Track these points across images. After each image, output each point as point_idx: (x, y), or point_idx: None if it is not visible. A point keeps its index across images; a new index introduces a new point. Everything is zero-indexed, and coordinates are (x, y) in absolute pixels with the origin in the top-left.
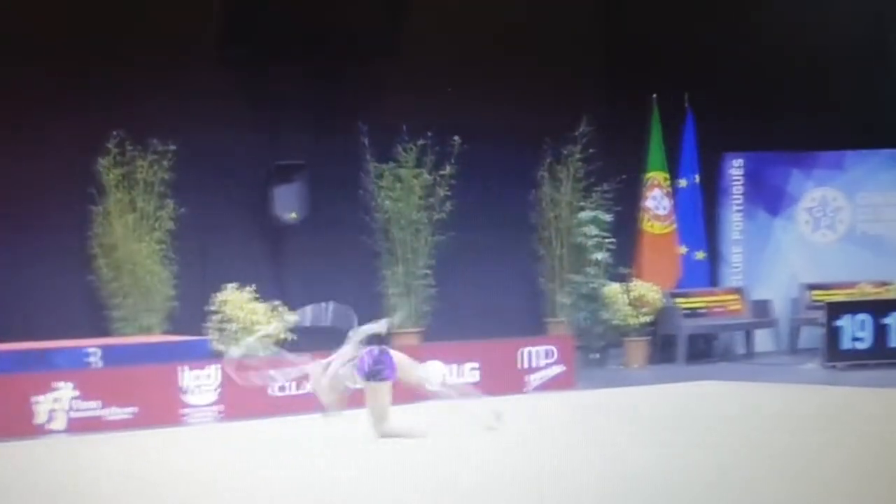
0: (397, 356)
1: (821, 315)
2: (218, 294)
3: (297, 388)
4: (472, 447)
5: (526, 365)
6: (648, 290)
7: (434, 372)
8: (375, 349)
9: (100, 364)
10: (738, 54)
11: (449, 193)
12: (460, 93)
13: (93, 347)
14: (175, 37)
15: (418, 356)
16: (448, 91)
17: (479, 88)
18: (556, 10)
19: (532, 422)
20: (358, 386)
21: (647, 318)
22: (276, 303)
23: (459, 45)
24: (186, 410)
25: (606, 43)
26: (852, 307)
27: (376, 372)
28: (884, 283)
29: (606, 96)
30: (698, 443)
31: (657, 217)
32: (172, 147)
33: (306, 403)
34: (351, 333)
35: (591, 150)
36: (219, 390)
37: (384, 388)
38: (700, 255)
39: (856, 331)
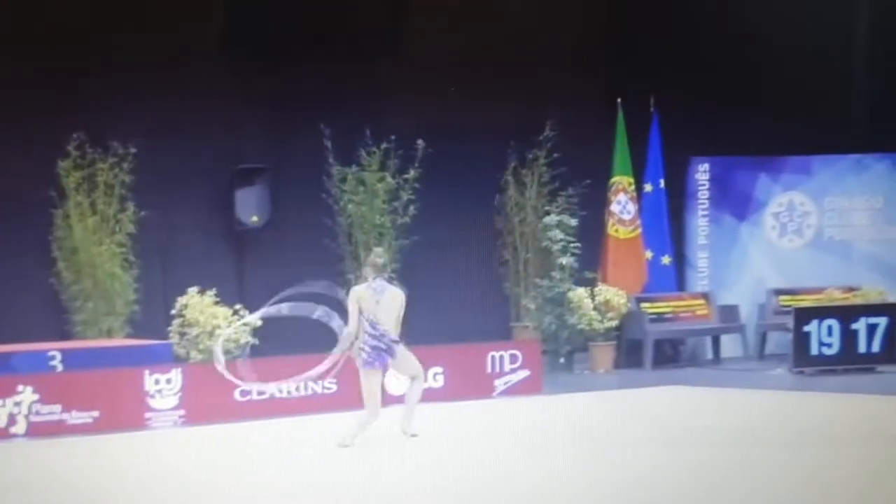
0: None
1: (788, 320)
2: (180, 298)
3: (259, 393)
4: (436, 452)
5: (492, 370)
6: (614, 295)
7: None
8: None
9: (61, 368)
10: (704, 58)
11: (413, 197)
12: (424, 97)
13: (54, 351)
14: (136, 40)
15: None
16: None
17: (443, 92)
18: (522, 15)
19: (498, 426)
20: None
21: (614, 323)
22: (238, 306)
23: (423, 49)
24: (149, 415)
25: (571, 47)
26: (820, 313)
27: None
28: (852, 289)
29: (572, 100)
30: (665, 447)
31: (623, 222)
32: (133, 150)
33: (268, 408)
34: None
35: (556, 155)
36: (180, 394)
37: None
38: (666, 259)
39: (824, 336)
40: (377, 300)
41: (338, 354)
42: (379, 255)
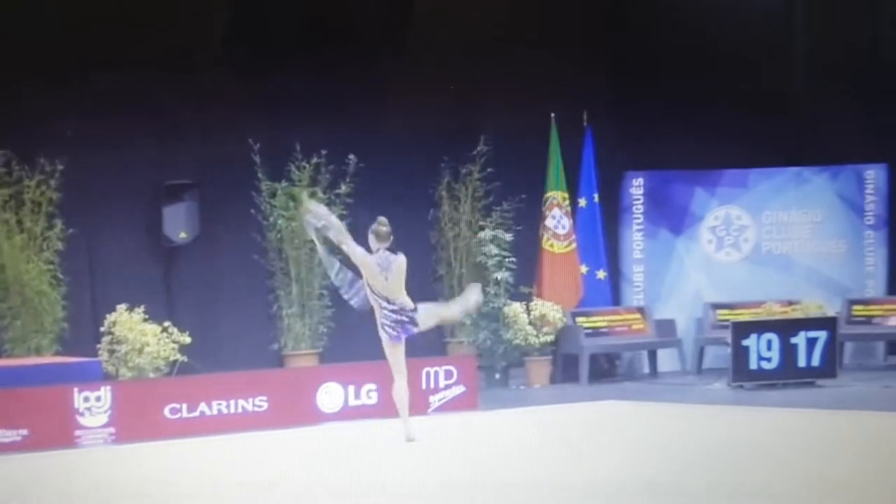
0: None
1: (726, 335)
2: (109, 315)
3: (189, 410)
4: (372, 468)
5: (427, 386)
6: (550, 310)
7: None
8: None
9: None
10: (638, 72)
11: (345, 212)
12: (356, 111)
13: None
14: (61, 56)
15: (315, 378)
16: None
17: (375, 106)
18: (454, 28)
19: (434, 443)
20: None
21: (549, 338)
22: (167, 323)
23: (353, 63)
24: (79, 432)
25: (504, 61)
26: (759, 327)
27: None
28: (791, 303)
29: (505, 115)
30: (602, 462)
31: (557, 236)
32: (60, 167)
33: (199, 425)
34: None
35: (490, 170)
36: (110, 412)
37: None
38: (601, 274)
39: (763, 350)
40: (385, 276)
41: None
42: (383, 223)
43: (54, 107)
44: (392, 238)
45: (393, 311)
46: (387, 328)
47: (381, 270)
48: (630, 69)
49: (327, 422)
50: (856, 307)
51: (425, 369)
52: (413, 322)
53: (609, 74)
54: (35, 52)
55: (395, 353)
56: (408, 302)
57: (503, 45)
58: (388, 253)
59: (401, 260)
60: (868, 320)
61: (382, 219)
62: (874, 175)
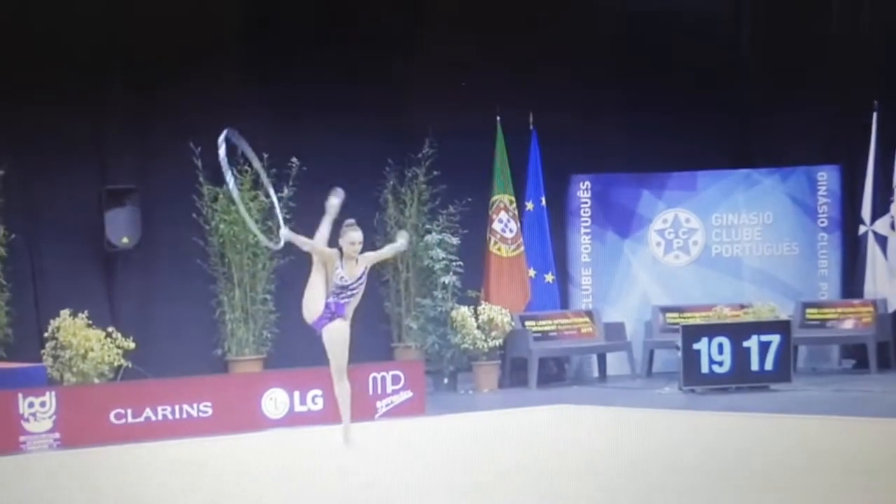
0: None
1: (676, 338)
2: (52, 320)
3: (135, 416)
4: (317, 474)
5: (373, 391)
6: (498, 314)
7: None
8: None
9: None
10: (584, 74)
11: (288, 216)
12: (298, 114)
13: None
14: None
15: (259, 384)
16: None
17: (319, 109)
18: (398, 29)
19: (380, 449)
20: None
21: (498, 342)
22: (111, 328)
23: (292, 66)
24: (24, 438)
25: (450, 63)
26: (709, 330)
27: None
28: (742, 306)
29: (450, 118)
30: (551, 467)
31: (504, 240)
32: (1, 172)
33: (143, 431)
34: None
35: (435, 172)
36: (54, 417)
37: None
38: (549, 277)
39: (714, 354)
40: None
41: None
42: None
43: None
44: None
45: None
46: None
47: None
48: (575, 70)
49: (272, 428)
50: (809, 310)
51: (372, 374)
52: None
53: (555, 76)
54: None
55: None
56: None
57: (447, 46)
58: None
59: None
60: (822, 324)
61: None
62: (826, 176)
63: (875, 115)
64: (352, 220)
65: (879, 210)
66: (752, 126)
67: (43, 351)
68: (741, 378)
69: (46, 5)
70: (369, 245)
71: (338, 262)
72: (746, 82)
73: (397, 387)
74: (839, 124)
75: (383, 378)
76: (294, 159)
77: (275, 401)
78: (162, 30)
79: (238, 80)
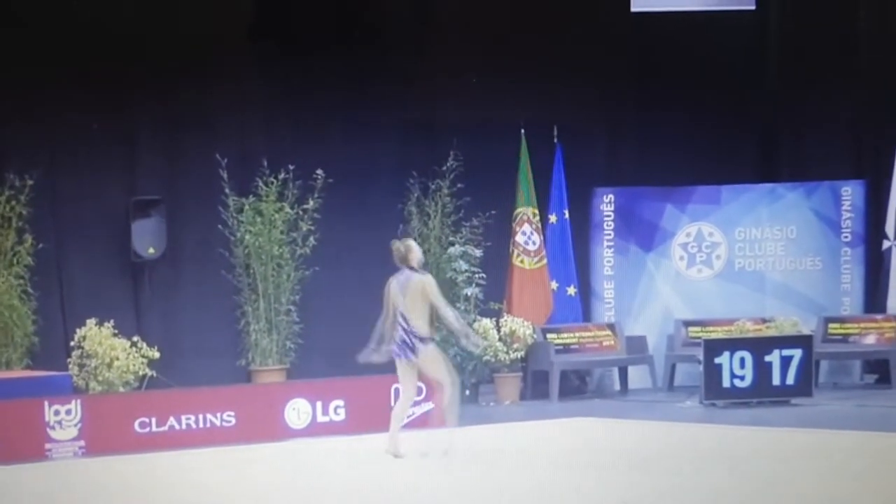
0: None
1: (698, 352)
2: (78, 329)
3: (159, 425)
4: (343, 485)
5: (395, 402)
6: (520, 326)
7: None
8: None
9: None
10: (609, 87)
11: (312, 228)
12: (324, 126)
13: None
14: (29, 70)
15: (282, 394)
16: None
17: (344, 122)
18: (424, 44)
19: (404, 459)
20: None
21: (519, 354)
22: (136, 338)
23: (323, 79)
24: (49, 445)
25: (475, 76)
26: (731, 344)
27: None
28: (764, 320)
29: (474, 130)
30: (573, 479)
31: (527, 252)
32: (30, 182)
33: (168, 440)
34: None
35: (459, 185)
36: (80, 425)
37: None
38: (571, 290)
39: (736, 368)
40: (403, 294)
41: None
42: (394, 244)
43: (23, 123)
44: (410, 261)
45: (403, 329)
46: (393, 342)
47: (399, 286)
48: (600, 84)
49: (295, 438)
50: (832, 325)
51: (394, 385)
52: (413, 350)
53: (579, 89)
54: (1, 69)
55: (401, 373)
56: (421, 329)
57: (472, 60)
58: (409, 272)
59: (418, 280)
60: (844, 338)
61: (395, 241)
62: (851, 191)
63: None
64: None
65: None
66: (777, 140)
67: (69, 360)
68: (762, 392)
69: (74, 20)
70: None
71: None
72: (772, 97)
73: (419, 398)
74: (864, 139)
75: None
76: (319, 171)
77: (297, 411)
78: (189, 42)
79: (264, 93)
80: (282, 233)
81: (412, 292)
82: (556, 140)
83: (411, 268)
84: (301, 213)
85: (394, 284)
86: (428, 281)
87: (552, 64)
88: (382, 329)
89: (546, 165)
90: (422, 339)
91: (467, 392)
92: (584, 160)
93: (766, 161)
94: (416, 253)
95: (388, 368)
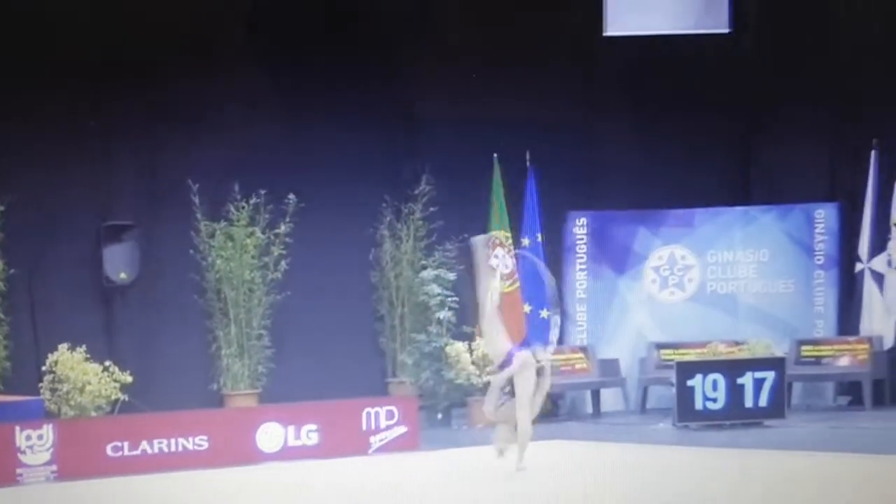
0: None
1: (671, 374)
2: (50, 354)
3: (131, 449)
4: None
5: (367, 426)
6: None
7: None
8: None
9: None
10: (582, 112)
11: (284, 252)
12: (295, 150)
13: None
14: None
15: (255, 418)
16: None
17: (316, 147)
18: (396, 67)
19: (375, 484)
20: None
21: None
22: (108, 363)
23: (294, 102)
24: (21, 470)
25: (448, 101)
26: (704, 367)
27: None
28: (737, 343)
29: (447, 154)
30: (545, 503)
31: (501, 276)
32: (1, 207)
33: (139, 464)
34: None
35: (432, 209)
36: (52, 450)
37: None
38: (544, 313)
39: (708, 391)
40: None
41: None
42: None
43: None
44: None
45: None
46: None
47: None
48: (573, 108)
49: (267, 462)
50: (805, 347)
51: (366, 409)
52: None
53: (552, 113)
54: None
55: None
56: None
57: (445, 83)
58: None
59: None
60: (817, 361)
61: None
62: (824, 214)
63: (873, 153)
64: None
65: (877, 248)
66: (751, 163)
67: (41, 384)
68: (735, 414)
69: (43, 40)
70: (364, 281)
71: None
72: (745, 119)
73: (391, 422)
74: (838, 163)
75: (377, 413)
76: (291, 195)
77: (270, 435)
78: (162, 68)
79: (235, 119)
80: (253, 257)
81: None
82: (528, 164)
83: None
84: (273, 237)
85: None
86: None
87: (525, 88)
88: None
89: (519, 189)
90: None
91: (440, 416)
92: (558, 184)
93: (739, 184)
94: None
95: (361, 392)
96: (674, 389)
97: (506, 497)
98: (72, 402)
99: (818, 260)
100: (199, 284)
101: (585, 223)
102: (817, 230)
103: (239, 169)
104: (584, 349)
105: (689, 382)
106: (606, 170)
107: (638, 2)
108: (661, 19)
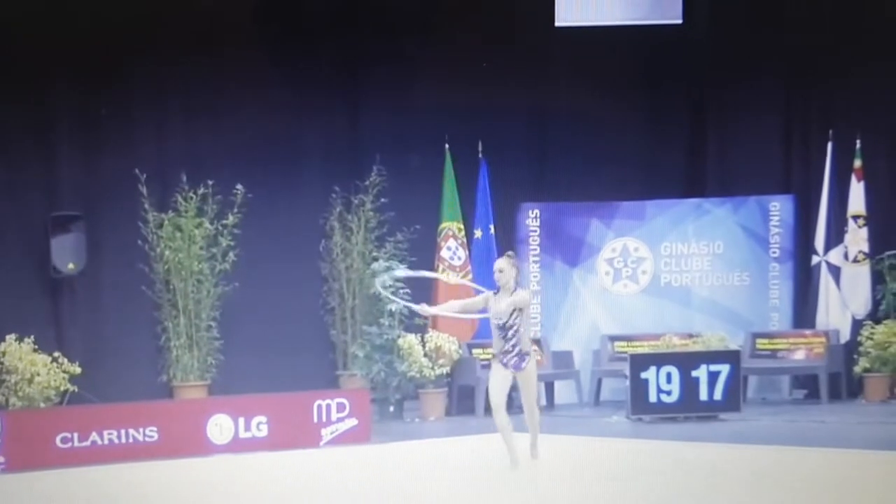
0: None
1: (625, 367)
2: None
3: (81, 440)
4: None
5: (318, 419)
6: (445, 341)
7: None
8: None
9: None
10: (534, 102)
11: (232, 244)
12: (242, 140)
13: None
14: None
15: (205, 409)
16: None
17: (265, 137)
18: (348, 56)
19: (325, 477)
20: None
21: (445, 370)
22: (57, 354)
23: (242, 92)
24: None
25: (398, 91)
26: (658, 359)
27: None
28: (691, 336)
29: (398, 145)
30: (496, 496)
31: (453, 267)
32: None
33: (89, 455)
34: None
35: (383, 200)
36: (0, 442)
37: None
38: None
39: (662, 384)
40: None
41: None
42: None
43: None
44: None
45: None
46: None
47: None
48: (525, 99)
49: (218, 453)
50: (760, 340)
51: (317, 402)
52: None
53: (504, 104)
54: None
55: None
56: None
57: (395, 73)
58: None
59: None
60: (773, 354)
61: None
62: (779, 206)
63: (830, 145)
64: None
65: (833, 240)
66: (704, 155)
67: None
68: (690, 407)
69: None
70: (314, 272)
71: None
72: (698, 110)
73: (342, 414)
74: (792, 154)
75: (328, 406)
76: (239, 186)
77: (220, 426)
78: (108, 55)
79: (183, 107)
80: (201, 248)
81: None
82: (480, 155)
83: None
84: (221, 228)
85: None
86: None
87: (477, 78)
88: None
89: (471, 180)
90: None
91: (391, 408)
92: (509, 175)
93: (692, 176)
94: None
95: (312, 385)
96: (627, 382)
97: (459, 489)
98: (20, 394)
99: (773, 252)
100: (147, 275)
101: (538, 215)
102: (772, 222)
103: (186, 159)
104: (537, 341)
105: (643, 375)
106: (558, 161)
107: None
108: (612, 10)
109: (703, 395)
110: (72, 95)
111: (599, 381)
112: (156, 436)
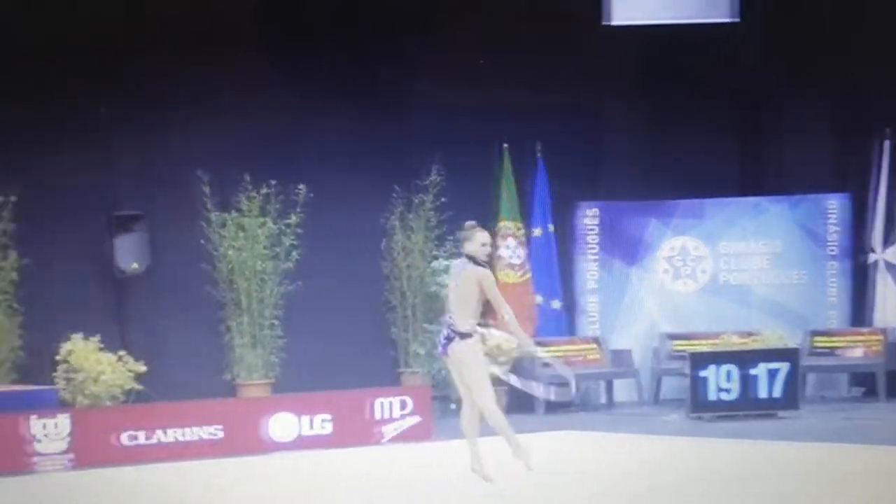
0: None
1: (684, 365)
2: (64, 344)
3: (146, 438)
4: (325, 499)
5: (380, 416)
6: (505, 340)
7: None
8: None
9: None
10: (592, 101)
11: (295, 243)
12: (305, 140)
13: None
14: (10, 90)
15: (268, 407)
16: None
17: (326, 137)
18: (405, 58)
19: (388, 473)
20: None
21: (505, 368)
22: (122, 353)
23: (305, 94)
24: (37, 459)
25: (458, 90)
26: (717, 358)
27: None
28: (750, 334)
29: (458, 144)
30: (558, 494)
31: (511, 266)
32: (13, 198)
33: (155, 452)
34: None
35: (443, 199)
36: (68, 439)
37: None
38: (556, 304)
39: (722, 382)
40: (456, 283)
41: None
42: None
43: (3, 137)
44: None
45: (446, 323)
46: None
47: (454, 275)
48: (582, 98)
49: (281, 451)
50: (818, 338)
51: (379, 399)
52: (445, 346)
53: (562, 103)
54: None
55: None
56: (458, 323)
57: (455, 72)
58: (465, 261)
59: (469, 272)
60: (831, 352)
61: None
62: (837, 205)
63: (887, 143)
64: (472, 222)
65: (890, 238)
66: (762, 154)
67: (55, 374)
68: (749, 405)
69: (53, 27)
70: (376, 271)
71: None
72: (755, 109)
73: (404, 412)
74: (850, 152)
75: (391, 403)
76: (301, 185)
77: (283, 424)
78: (170, 58)
79: (245, 109)
80: (264, 248)
81: (461, 283)
82: (538, 154)
83: (470, 257)
84: (284, 227)
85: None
86: (476, 275)
87: (534, 77)
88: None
89: (529, 179)
90: (459, 334)
91: (452, 406)
92: (567, 174)
93: (749, 174)
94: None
95: (374, 382)
96: (687, 380)
97: (519, 487)
98: (86, 392)
99: (831, 250)
100: (210, 275)
101: (596, 214)
102: (829, 221)
103: (249, 159)
104: (596, 340)
105: (703, 373)
106: (616, 160)
107: None
108: (664, 8)
109: (762, 393)
110: (134, 93)
111: (659, 380)
112: (220, 434)
